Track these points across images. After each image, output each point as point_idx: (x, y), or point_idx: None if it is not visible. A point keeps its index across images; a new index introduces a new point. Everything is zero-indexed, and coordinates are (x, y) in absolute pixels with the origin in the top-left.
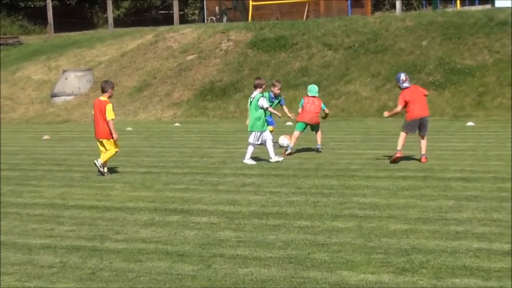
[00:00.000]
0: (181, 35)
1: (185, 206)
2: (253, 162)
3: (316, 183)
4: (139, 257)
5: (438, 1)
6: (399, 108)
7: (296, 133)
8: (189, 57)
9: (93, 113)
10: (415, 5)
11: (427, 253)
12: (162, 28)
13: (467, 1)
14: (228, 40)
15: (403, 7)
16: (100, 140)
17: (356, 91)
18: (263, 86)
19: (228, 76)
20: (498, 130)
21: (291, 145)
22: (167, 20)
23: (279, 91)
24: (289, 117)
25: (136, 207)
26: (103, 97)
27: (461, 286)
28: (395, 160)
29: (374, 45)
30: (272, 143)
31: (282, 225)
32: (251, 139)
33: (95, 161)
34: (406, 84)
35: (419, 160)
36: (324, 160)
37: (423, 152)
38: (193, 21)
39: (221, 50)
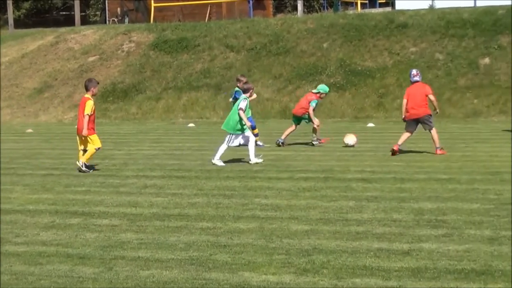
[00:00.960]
0: (83, 36)
1: (86, 208)
2: (260, 160)
3: (218, 185)
4: (39, 260)
5: (339, 4)
6: (404, 101)
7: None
8: (91, 59)
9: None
10: (317, 7)
11: (328, 254)
12: (63, 29)
13: (367, 4)
14: (130, 41)
15: (305, 9)
16: (80, 135)
17: (257, 93)
18: (251, 91)
19: (130, 78)
20: (398, 131)
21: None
22: (69, 21)
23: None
24: None
25: (37, 209)
26: (87, 95)
27: (362, 285)
28: (393, 153)
29: (276, 47)
30: (254, 144)
31: (184, 227)
32: (230, 141)
33: (77, 162)
34: (416, 78)
35: (434, 153)
36: (226, 162)
37: (437, 145)
38: (94, 22)
39: (122, 51)
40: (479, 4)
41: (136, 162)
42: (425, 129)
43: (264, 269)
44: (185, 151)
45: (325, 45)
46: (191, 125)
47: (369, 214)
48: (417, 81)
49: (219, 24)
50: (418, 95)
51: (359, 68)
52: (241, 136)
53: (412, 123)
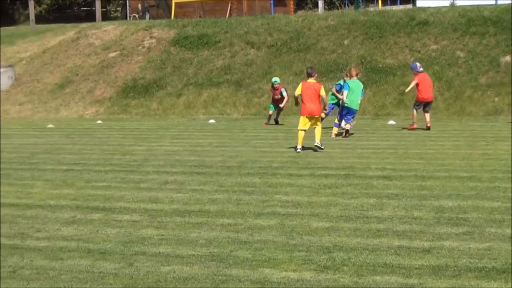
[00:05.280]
0: (104, 32)
1: (107, 204)
2: None
3: (239, 181)
4: (60, 255)
5: (360, 1)
6: (413, 82)
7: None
8: (112, 54)
9: (300, 93)
10: (338, 4)
11: (348, 251)
12: (84, 25)
13: (389, 1)
14: (151, 37)
15: (326, 6)
16: (312, 116)
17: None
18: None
19: (150, 74)
20: (418, 128)
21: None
22: (90, 17)
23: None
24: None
25: (58, 204)
26: (312, 80)
27: (382, 283)
28: (411, 129)
29: (296, 44)
30: None
31: (204, 223)
32: None
33: (316, 144)
34: (421, 69)
35: (425, 126)
36: (247, 158)
37: (428, 119)
38: (115, 18)
39: (143, 47)
40: (500, 1)
41: (157, 158)
42: (424, 110)
43: (285, 265)
44: (205, 147)
45: (346, 42)
46: (211, 121)
47: (390, 212)
48: (422, 71)
49: (240, 21)
50: (428, 83)
51: (380, 65)
52: None
53: (422, 104)
